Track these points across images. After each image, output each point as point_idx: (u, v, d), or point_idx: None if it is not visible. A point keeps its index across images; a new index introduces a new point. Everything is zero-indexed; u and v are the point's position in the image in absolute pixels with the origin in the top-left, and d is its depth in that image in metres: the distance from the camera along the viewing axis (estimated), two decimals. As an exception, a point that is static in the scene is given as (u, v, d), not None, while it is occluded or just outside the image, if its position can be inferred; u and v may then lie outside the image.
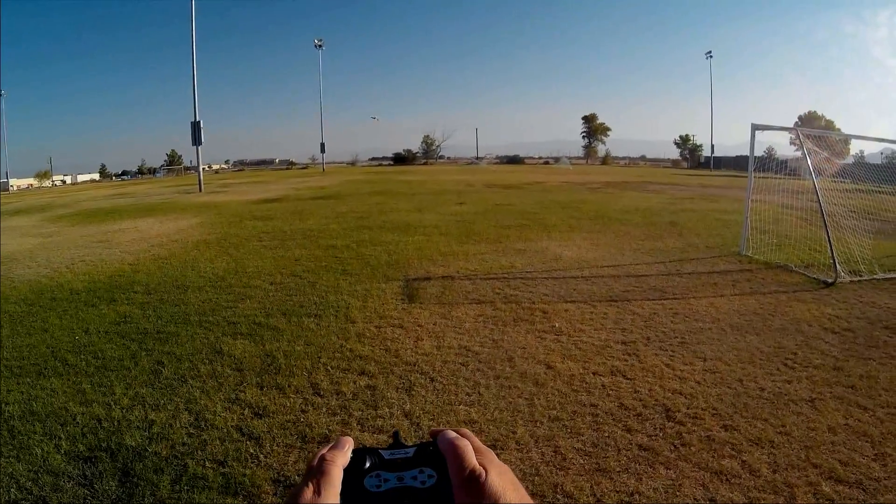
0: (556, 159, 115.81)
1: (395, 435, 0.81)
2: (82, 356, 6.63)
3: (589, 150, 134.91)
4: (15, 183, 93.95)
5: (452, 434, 0.75)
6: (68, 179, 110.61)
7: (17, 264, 12.72)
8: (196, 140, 42.10)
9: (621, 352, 6.61)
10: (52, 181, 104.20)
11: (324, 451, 0.75)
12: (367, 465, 0.74)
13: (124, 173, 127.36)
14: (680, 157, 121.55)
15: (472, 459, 0.70)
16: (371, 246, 13.40)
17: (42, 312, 8.62)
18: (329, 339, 7.04)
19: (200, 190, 38.94)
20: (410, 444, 0.78)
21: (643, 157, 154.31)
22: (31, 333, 7.60)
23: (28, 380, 6.01)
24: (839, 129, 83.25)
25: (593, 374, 5.96)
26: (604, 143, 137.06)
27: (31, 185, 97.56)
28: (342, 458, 0.73)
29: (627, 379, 5.83)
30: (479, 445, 0.76)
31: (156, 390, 5.65)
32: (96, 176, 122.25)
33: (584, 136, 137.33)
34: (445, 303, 8.65)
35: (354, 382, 5.74)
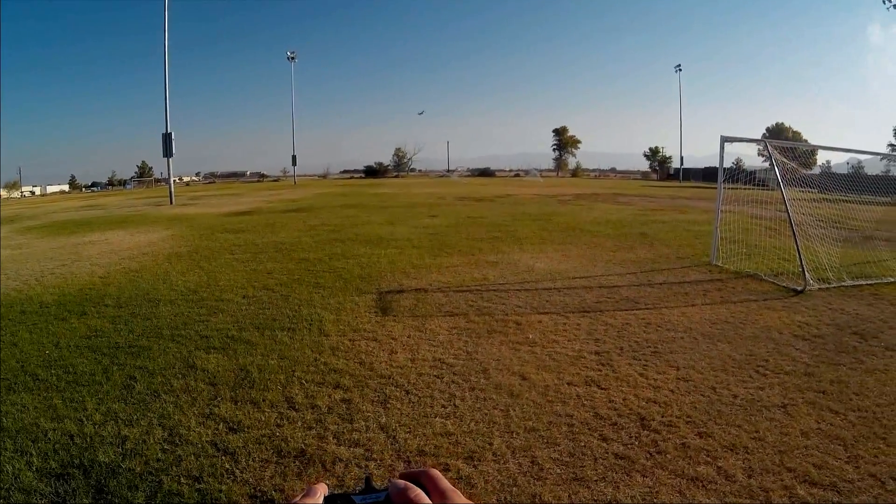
0: (527, 171, 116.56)
1: (368, 480, 0.80)
2: (53, 371, 6.51)
3: (559, 163, 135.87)
4: None
5: (402, 484, 0.74)
6: (37, 190, 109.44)
7: None
8: (167, 152, 41.63)
9: (595, 362, 6.64)
10: (21, 192, 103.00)
11: (296, 498, 0.74)
12: None
13: (94, 185, 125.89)
14: (650, 169, 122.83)
15: None
16: (344, 259, 13.36)
17: (11, 326, 8.45)
18: (303, 352, 6.99)
19: (171, 202, 38.64)
20: (382, 486, 0.78)
21: (613, 169, 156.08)
22: (0, 348, 7.45)
23: None
24: (806, 141, 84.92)
25: (568, 384, 5.98)
26: (574, 155, 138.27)
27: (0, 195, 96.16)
28: None
29: (602, 389, 5.86)
30: (443, 487, 0.75)
31: (128, 405, 5.56)
32: (66, 187, 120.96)
33: (554, 149, 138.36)
34: (419, 315, 8.65)
35: (329, 396, 5.71)
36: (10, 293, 10.67)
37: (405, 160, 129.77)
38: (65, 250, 16.39)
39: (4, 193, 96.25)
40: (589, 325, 8.16)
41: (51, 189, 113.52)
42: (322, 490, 0.76)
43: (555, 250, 14.65)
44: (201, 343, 7.40)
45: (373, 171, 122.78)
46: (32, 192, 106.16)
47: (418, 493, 0.72)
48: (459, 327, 8.01)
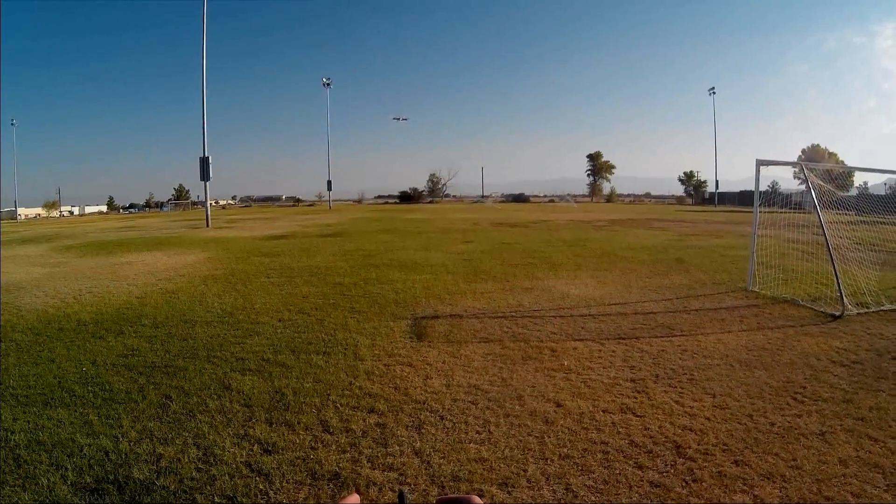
0: (561, 197, 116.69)
1: (401, 496, 0.80)
2: (89, 387, 6.64)
3: (594, 188, 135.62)
4: (23, 212, 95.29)
5: None
6: (76, 210, 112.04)
7: (25, 293, 12.87)
8: (204, 175, 42.47)
9: (630, 389, 6.58)
10: (60, 211, 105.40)
11: None
12: None
13: (132, 206, 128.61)
14: (684, 194, 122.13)
15: None
16: (378, 284, 13.43)
17: (49, 342, 8.67)
18: (338, 376, 7.03)
19: (208, 225, 39.38)
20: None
21: (648, 194, 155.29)
22: (38, 363, 7.65)
23: (34, 409, 6.03)
24: (843, 162, 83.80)
25: (603, 411, 5.94)
26: (609, 180, 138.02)
27: (39, 214, 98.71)
28: None
29: (637, 416, 5.81)
30: None
31: (164, 424, 5.64)
32: (104, 208, 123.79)
33: (589, 174, 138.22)
34: (454, 341, 8.64)
35: (364, 420, 5.72)
36: (49, 310, 10.99)
37: (439, 185, 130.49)
38: (103, 270, 16.83)
39: (43, 213, 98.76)
40: (624, 351, 8.10)
41: (89, 209, 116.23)
42: (355, 501, 0.76)
43: (590, 276, 14.59)
44: (237, 365, 7.47)
45: (407, 197, 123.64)
46: (71, 212, 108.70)
47: None
48: (494, 353, 7.99)
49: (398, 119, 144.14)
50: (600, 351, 8.12)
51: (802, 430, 5.43)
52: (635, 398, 6.30)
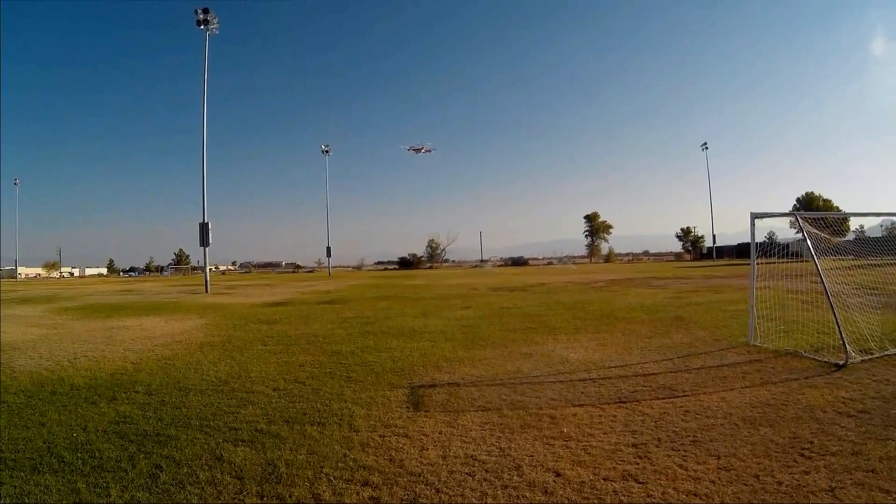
0: (560, 259, 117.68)
1: None
2: (79, 454, 6.56)
3: (592, 249, 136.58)
4: (24, 271, 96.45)
5: None
6: (76, 272, 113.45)
7: (20, 354, 13.05)
8: (204, 241, 43.13)
9: (632, 455, 6.42)
10: (61, 272, 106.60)
11: None
12: None
13: (132, 269, 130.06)
14: (683, 250, 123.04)
15: None
16: (376, 352, 13.29)
17: (41, 406, 8.68)
18: (332, 448, 6.87)
19: (207, 291, 39.96)
20: None
21: (646, 252, 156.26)
22: (29, 426, 7.63)
23: (22, 474, 5.97)
24: (838, 208, 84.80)
25: (604, 479, 5.77)
26: (606, 240, 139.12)
27: (39, 274, 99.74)
28: None
29: (640, 483, 5.65)
30: None
31: (153, 495, 5.51)
32: (104, 270, 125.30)
33: (586, 235, 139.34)
34: (451, 410, 8.49)
35: (358, 494, 5.56)
36: (43, 373, 11.09)
37: (438, 251, 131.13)
38: (99, 333, 17.07)
39: (44, 273, 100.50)
40: (625, 416, 7.94)
41: (89, 271, 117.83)
42: None
43: (589, 339, 14.45)
44: (230, 435, 7.34)
45: (406, 263, 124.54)
46: (71, 273, 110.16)
47: None
48: (492, 422, 7.83)
49: (419, 150, 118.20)
50: (601, 416, 7.96)
51: (811, 488, 5.30)
52: (637, 464, 6.15)
